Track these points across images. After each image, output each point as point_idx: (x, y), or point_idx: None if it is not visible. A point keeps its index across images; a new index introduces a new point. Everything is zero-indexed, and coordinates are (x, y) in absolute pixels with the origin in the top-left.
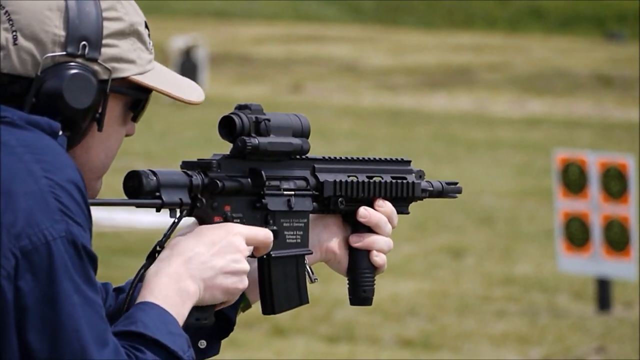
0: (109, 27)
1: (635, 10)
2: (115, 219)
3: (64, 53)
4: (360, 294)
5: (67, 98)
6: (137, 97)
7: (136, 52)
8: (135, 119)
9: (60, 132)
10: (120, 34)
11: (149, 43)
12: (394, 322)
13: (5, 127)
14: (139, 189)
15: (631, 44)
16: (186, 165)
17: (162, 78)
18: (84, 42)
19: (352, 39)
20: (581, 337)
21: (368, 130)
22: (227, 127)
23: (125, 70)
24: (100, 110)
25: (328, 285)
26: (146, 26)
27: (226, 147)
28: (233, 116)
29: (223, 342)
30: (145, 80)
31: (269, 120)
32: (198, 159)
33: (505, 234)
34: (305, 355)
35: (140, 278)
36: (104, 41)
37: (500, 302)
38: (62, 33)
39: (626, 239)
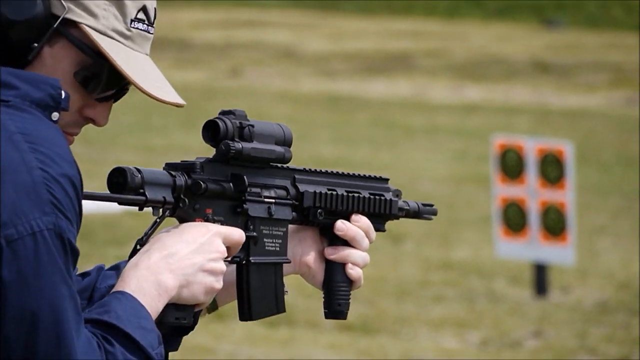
0: None
1: None
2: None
3: None
4: (335, 307)
5: (3, 6)
6: (89, 55)
7: (105, 12)
8: (89, 90)
9: (63, 95)
10: None
11: (129, 16)
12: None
13: (6, 110)
14: (123, 185)
15: (569, 31)
16: (169, 166)
17: (125, 56)
18: None
19: (291, 24)
20: (518, 322)
21: (307, 116)
22: (210, 131)
23: (81, 17)
24: (40, 43)
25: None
26: (144, 11)
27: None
28: (217, 120)
29: None
30: (101, 42)
31: (252, 126)
32: (182, 161)
33: (444, 220)
34: (245, 339)
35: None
36: None
37: (438, 287)
38: None
39: (563, 225)
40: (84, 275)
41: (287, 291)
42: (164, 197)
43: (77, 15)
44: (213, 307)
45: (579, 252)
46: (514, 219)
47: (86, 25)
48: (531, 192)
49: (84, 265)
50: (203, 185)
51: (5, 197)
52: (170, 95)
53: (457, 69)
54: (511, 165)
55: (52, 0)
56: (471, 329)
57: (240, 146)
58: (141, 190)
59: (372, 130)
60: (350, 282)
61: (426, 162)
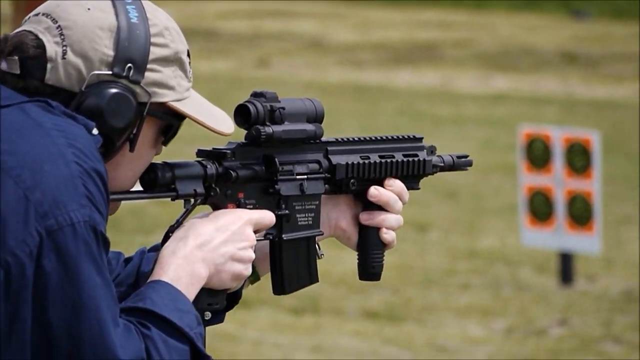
0: (155, 52)
1: None
2: None
3: (110, 72)
4: (370, 270)
5: (106, 116)
6: (170, 122)
7: (176, 79)
8: (165, 143)
9: (95, 131)
10: (165, 60)
11: (189, 71)
12: (359, 294)
13: (41, 110)
14: (154, 181)
15: (597, 22)
16: (201, 153)
17: (197, 106)
18: (129, 64)
19: (318, 14)
20: (544, 310)
21: (334, 106)
22: (242, 115)
23: (164, 96)
24: (134, 131)
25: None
26: (188, 54)
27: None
28: (248, 104)
29: None
30: (182, 107)
31: (283, 108)
32: (213, 148)
33: (470, 209)
34: (270, 326)
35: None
36: (149, 65)
37: (464, 275)
38: (111, 53)
39: (589, 214)
40: (127, 260)
41: (322, 254)
42: (195, 190)
43: (160, 96)
44: (255, 278)
45: (604, 242)
46: (540, 208)
47: (169, 101)
48: (557, 181)
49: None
50: (234, 173)
51: (47, 187)
52: (226, 123)
53: (485, 59)
54: (538, 154)
55: (136, 91)
56: (497, 317)
57: (271, 130)
58: (172, 186)
59: (399, 119)
60: (384, 245)
61: (453, 151)
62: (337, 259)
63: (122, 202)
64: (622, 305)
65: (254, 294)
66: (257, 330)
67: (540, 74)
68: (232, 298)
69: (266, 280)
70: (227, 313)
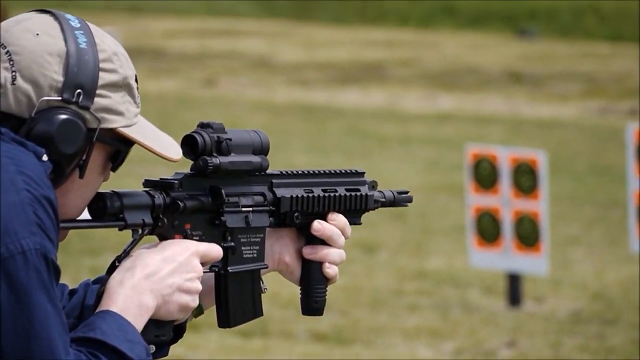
0: (104, 77)
1: (546, 7)
2: None
3: (60, 98)
4: (312, 305)
5: (57, 142)
6: (119, 148)
7: (125, 104)
8: (114, 169)
9: (45, 158)
10: (113, 86)
11: (137, 97)
12: (308, 317)
13: None
14: (103, 211)
15: (542, 41)
16: (149, 183)
17: (145, 132)
18: (79, 90)
19: (265, 33)
20: (492, 332)
21: (282, 125)
22: (189, 145)
23: (114, 122)
24: (84, 158)
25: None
26: (136, 79)
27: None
28: (195, 135)
29: None
30: (131, 133)
31: (230, 139)
32: (160, 178)
33: (417, 229)
34: (219, 350)
35: (103, 290)
36: (98, 91)
37: (412, 297)
38: (60, 79)
39: (536, 235)
40: (72, 293)
41: (266, 289)
42: (143, 220)
43: (109, 122)
44: (199, 311)
45: (552, 262)
46: (488, 228)
47: (119, 127)
48: (505, 201)
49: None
50: (181, 204)
51: None
52: (173, 149)
53: (431, 78)
54: (485, 174)
55: (86, 117)
56: (445, 339)
57: (218, 161)
58: (121, 215)
59: (346, 139)
60: (326, 280)
61: (400, 171)
62: (285, 281)
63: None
64: (570, 326)
65: (203, 317)
66: (207, 353)
67: (485, 93)
68: (176, 332)
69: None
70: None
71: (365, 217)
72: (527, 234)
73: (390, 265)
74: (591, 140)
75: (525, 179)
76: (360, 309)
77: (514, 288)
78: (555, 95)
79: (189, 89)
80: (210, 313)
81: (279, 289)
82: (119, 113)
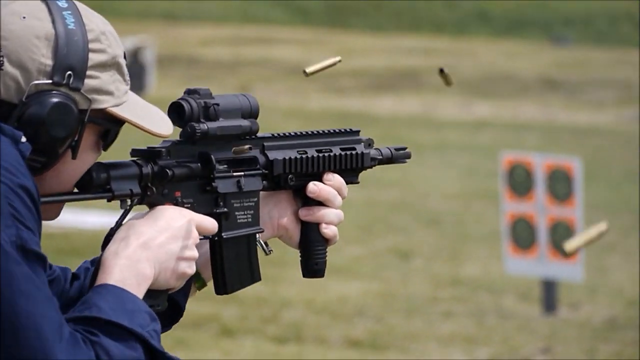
0: (93, 58)
1: (581, 13)
2: (62, 220)
3: (49, 82)
4: (312, 267)
5: (48, 126)
6: (110, 127)
7: (115, 83)
8: (105, 147)
9: (23, 140)
10: (103, 66)
11: (126, 74)
12: (342, 323)
13: None
14: (90, 183)
15: (577, 48)
16: (136, 152)
17: (135, 109)
18: (69, 72)
19: (300, 41)
20: (527, 338)
21: None
22: (176, 112)
23: (104, 102)
24: (76, 139)
25: (276, 286)
26: (124, 57)
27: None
28: (182, 102)
29: (172, 342)
30: (121, 112)
31: (217, 104)
32: (147, 147)
33: (453, 236)
34: (254, 355)
35: (98, 264)
36: (88, 72)
37: (447, 303)
38: (49, 62)
39: None
40: (75, 277)
41: (271, 250)
42: (130, 190)
43: (99, 102)
44: (202, 284)
45: (587, 269)
46: (523, 235)
47: (109, 106)
48: (540, 208)
49: None
50: (169, 172)
51: None
52: (164, 124)
53: (466, 85)
54: (520, 181)
55: (77, 98)
56: (480, 345)
57: (206, 127)
58: (108, 187)
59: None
60: (325, 241)
61: (435, 178)
62: (320, 286)
63: (97, 226)
64: (606, 333)
65: (238, 323)
66: (241, 359)
67: (521, 100)
68: (175, 311)
69: (249, 309)
70: (209, 341)
71: (400, 223)
72: (563, 241)
73: (425, 272)
74: (626, 147)
75: (561, 185)
76: (395, 315)
77: (549, 294)
78: (591, 102)
79: None
80: (245, 318)
81: (314, 296)
82: (108, 93)
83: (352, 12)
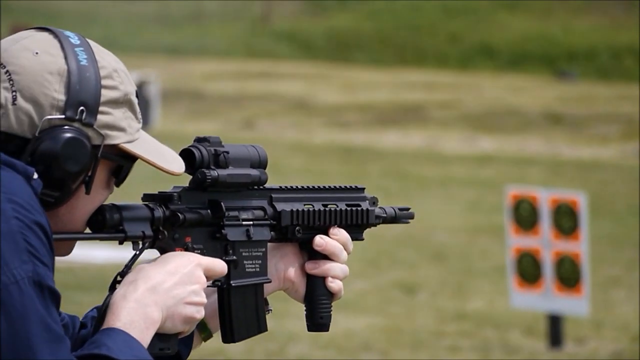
0: (105, 94)
1: (585, 49)
2: (69, 255)
3: (62, 117)
4: (318, 320)
5: (62, 161)
6: (122, 163)
7: (127, 120)
8: (118, 184)
9: (35, 176)
10: (115, 103)
11: (138, 112)
12: (348, 357)
13: None
14: (103, 223)
15: (581, 83)
16: (147, 197)
17: (147, 146)
18: (82, 107)
19: (304, 75)
20: None
21: (320, 167)
22: (187, 159)
23: (117, 138)
24: (89, 174)
25: (282, 321)
26: (136, 95)
27: (174, 181)
28: (192, 149)
29: None
30: (133, 148)
31: (227, 152)
32: (159, 192)
33: (458, 270)
34: None
35: (106, 307)
36: (100, 108)
37: (453, 338)
38: (62, 97)
39: (577, 276)
40: (82, 326)
41: (270, 309)
42: (142, 232)
43: (112, 138)
44: (208, 335)
45: (593, 304)
46: (528, 269)
47: (121, 143)
48: (545, 242)
49: (79, 315)
50: (181, 216)
51: None
52: (176, 163)
53: (470, 120)
54: (525, 215)
55: (90, 134)
56: None
57: (217, 174)
58: (120, 227)
59: (386, 181)
60: (331, 295)
61: (440, 212)
62: None
63: (106, 259)
64: None
65: (244, 357)
66: None
67: (525, 135)
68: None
69: (255, 343)
70: None
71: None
72: (568, 275)
73: (431, 306)
74: (631, 182)
75: (566, 220)
76: (400, 349)
77: (555, 329)
78: (595, 136)
79: (228, 131)
80: (251, 353)
81: None
82: (121, 129)
83: (356, 47)
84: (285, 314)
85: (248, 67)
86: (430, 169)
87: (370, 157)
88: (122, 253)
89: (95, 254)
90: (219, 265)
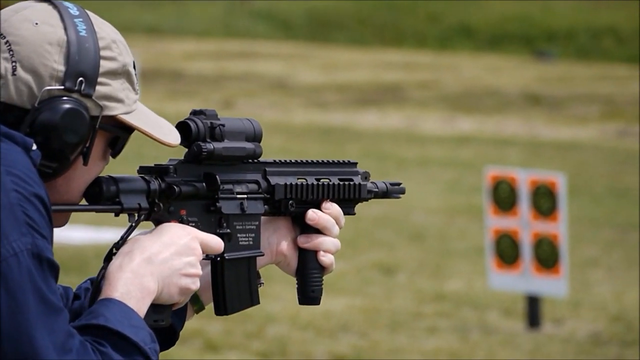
0: (104, 65)
1: (564, 29)
2: None
3: (62, 87)
4: (309, 294)
5: (61, 131)
6: (119, 135)
7: (125, 91)
8: (114, 155)
9: (34, 147)
10: (113, 74)
11: (136, 83)
12: (326, 338)
13: None
14: (99, 195)
15: (560, 63)
16: (143, 170)
17: (144, 118)
18: (81, 78)
19: (283, 55)
20: (511, 353)
21: (299, 147)
22: (182, 132)
23: (114, 109)
24: (87, 145)
25: (261, 301)
26: (134, 66)
27: (160, 157)
28: (189, 121)
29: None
30: (131, 119)
31: (223, 125)
32: (155, 164)
33: (436, 251)
34: None
35: (101, 278)
36: (99, 79)
37: (431, 319)
38: (61, 68)
39: (555, 257)
40: (75, 297)
41: (262, 283)
42: (139, 204)
43: (110, 109)
44: (200, 307)
45: (571, 284)
46: (507, 250)
47: (119, 114)
48: (524, 223)
49: None
50: (177, 189)
51: None
52: (172, 135)
53: (449, 100)
54: (503, 196)
55: (88, 105)
56: None
57: (212, 147)
58: (117, 199)
59: (365, 161)
60: (322, 269)
61: (418, 193)
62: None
63: (86, 241)
64: (589, 348)
65: (223, 338)
66: None
67: (504, 115)
68: (170, 336)
69: (234, 324)
70: (194, 356)
71: (384, 238)
72: (546, 256)
73: (409, 287)
74: (610, 163)
75: (545, 201)
76: (379, 330)
77: (533, 310)
78: (574, 117)
79: None
80: (230, 333)
81: (298, 310)
82: (119, 100)
83: (335, 27)
84: (264, 294)
85: (227, 46)
86: (409, 149)
87: (349, 137)
88: (99, 234)
89: (72, 235)
90: (215, 242)
